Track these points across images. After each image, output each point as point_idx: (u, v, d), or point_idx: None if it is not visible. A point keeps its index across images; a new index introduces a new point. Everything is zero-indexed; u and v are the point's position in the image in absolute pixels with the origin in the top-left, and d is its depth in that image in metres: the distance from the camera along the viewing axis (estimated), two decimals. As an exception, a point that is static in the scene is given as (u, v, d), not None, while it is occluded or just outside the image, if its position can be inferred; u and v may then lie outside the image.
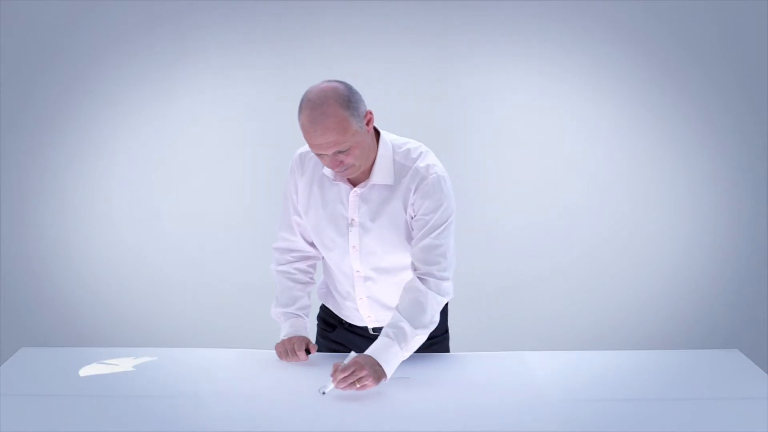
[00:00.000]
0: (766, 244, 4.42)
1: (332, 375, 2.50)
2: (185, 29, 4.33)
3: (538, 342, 4.35)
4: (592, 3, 4.31)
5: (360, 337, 2.85)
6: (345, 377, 2.46)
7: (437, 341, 2.84)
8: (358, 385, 2.47)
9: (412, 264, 2.65)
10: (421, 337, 2.60)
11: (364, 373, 2.48)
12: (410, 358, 2.67)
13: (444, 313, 2.82)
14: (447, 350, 2.90)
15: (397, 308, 2.60)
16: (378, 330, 2.80)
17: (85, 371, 2.55)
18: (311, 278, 2.86)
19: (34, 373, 2.61)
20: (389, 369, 2.53)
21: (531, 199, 4.43)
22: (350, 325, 2.87)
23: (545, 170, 4.42)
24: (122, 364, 2.63)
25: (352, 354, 2.54)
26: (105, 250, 4.40)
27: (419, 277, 2.62)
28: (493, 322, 4.43)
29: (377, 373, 2.50)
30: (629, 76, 4.37)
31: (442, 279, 2.62)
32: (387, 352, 2.53)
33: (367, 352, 2.54)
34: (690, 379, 2.61)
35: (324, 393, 2.47)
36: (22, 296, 4.47)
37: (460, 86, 4.37)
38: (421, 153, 2.65)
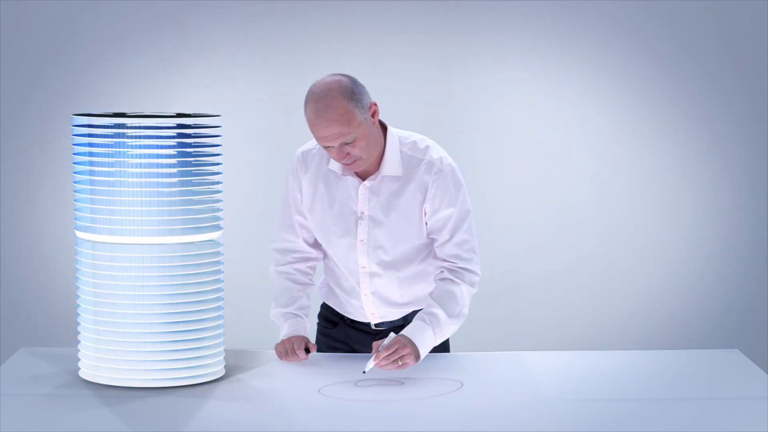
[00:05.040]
0: (766, 244, 4.42)
1: (373, 354, 2.55)
2: (185, 29, 4.33)
3: (538, 342, 4.35)
4: (592, 3, 4.31)
5: (362, 333, 2.86)
6: (388, 355, 2.53)
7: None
8: (399, 363, 2.54)
9: (442, 259, 2.71)
10: (454, 327, 2.68)
11: (406, 351, 2.55)
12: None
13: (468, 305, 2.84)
14: (447, 348, 2.91)
15: (430, 296, 2.67)
16: (380, 326, 2.83)
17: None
18: (310, 280, 2.86)
19: (34, 373, 2.61)
20: (423, 351, 2.60)
21: (531, 199, 4.43)
22: (352, 321, 2.88)
23: (545, 170, 4.42)
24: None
25: (392, 335, 2.60)
26: (105, 250, 4.40)
27: (453, 270, 2.69)
28: (493, 322, 4.43)
29: (416, 352, 2.58)
30: (629, 76, 4.37)
31: (475, 273, 2.72)
32: (422, 335, 2.61)
33: (404, 333, 2.60)
34: (690, 379, 2.61)
35: (365, 372, 2.54)
36: (22, 296, 4.47)
37: (460, 86, 4.38)
38: (427, 145, 2.70)
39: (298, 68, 4.27)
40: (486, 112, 4.39)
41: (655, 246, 4.46)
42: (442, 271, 2.70)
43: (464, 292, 2.68)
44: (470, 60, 4.36)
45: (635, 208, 4.44)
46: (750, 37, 4.31)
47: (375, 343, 2.60)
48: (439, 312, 2.63)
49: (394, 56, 4.34)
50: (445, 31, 4.33)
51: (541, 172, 4.42)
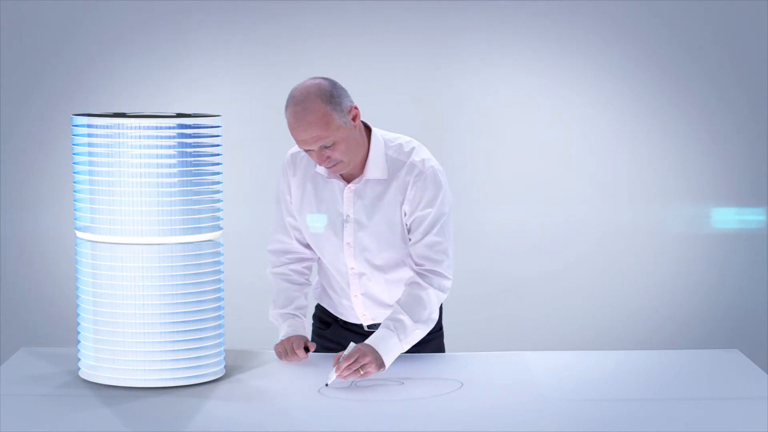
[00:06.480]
0: (766, 244, 4.42)
1: (334, 365, 2.53)
2: (185, 29, 4.33)
3: (538, 342, 4.35)
4: (592, 3, 4.31)
5: (355, 334, 2.86)
6: (349, 365, 2.50)
7: (433, 338, 2.83)
8: (361, 372, 2.51)
9: (413, 261, 2.68)
10: (421, 332, 2.63)
11: (367, 359, 2.52)
12: (409, 358, 2.69)
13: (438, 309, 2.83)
14: (442, 348, 2.91)
15: (397, 302, 2.64)
16: (373, 327, 2.82)
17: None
18: (307, 279, 2.86)
19: (34, 373, 2.61)
20: (388, 359, 2.57)
21: (530, 199, 4.43)
22: (345, 322, 2.88)
23: (545, 170, 4.42)
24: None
25: (352, 344, 2.57)
26: (105, 250, 4.40)
27: (421, 273, 2.65)
28: (493, 322, 4.43)
29: (378, 360, 2.54)
30: (629, 76, 4.37)
31: (444, 277, 2.66)
32: (387, 343, 2.57)
33: (367, 342, 2.58)
34: (690, 379, 2.61)
35: (327, 385, 2.51)
36: (22, 296, 4.47)
37: (460, 86, 4.38)
38: (413, 147, 2.68)
39: (298, 68, 4.26)
40: (486, 113, 4.39)
41: (655, 246, 4.45)
42: (412, 276, 2.67)
43: (432, 296, 2.64)
44: (469, 60, 4.36)
45: (635, 208, 4.44)
46: (750, 37, 4.31)
47: (336, 355, 2.58)
48: (405, 318, 2.60)
49: (394, 56, 4.33)
50: (446, 31, 4.33)
51: (541, 172, 4.42)
